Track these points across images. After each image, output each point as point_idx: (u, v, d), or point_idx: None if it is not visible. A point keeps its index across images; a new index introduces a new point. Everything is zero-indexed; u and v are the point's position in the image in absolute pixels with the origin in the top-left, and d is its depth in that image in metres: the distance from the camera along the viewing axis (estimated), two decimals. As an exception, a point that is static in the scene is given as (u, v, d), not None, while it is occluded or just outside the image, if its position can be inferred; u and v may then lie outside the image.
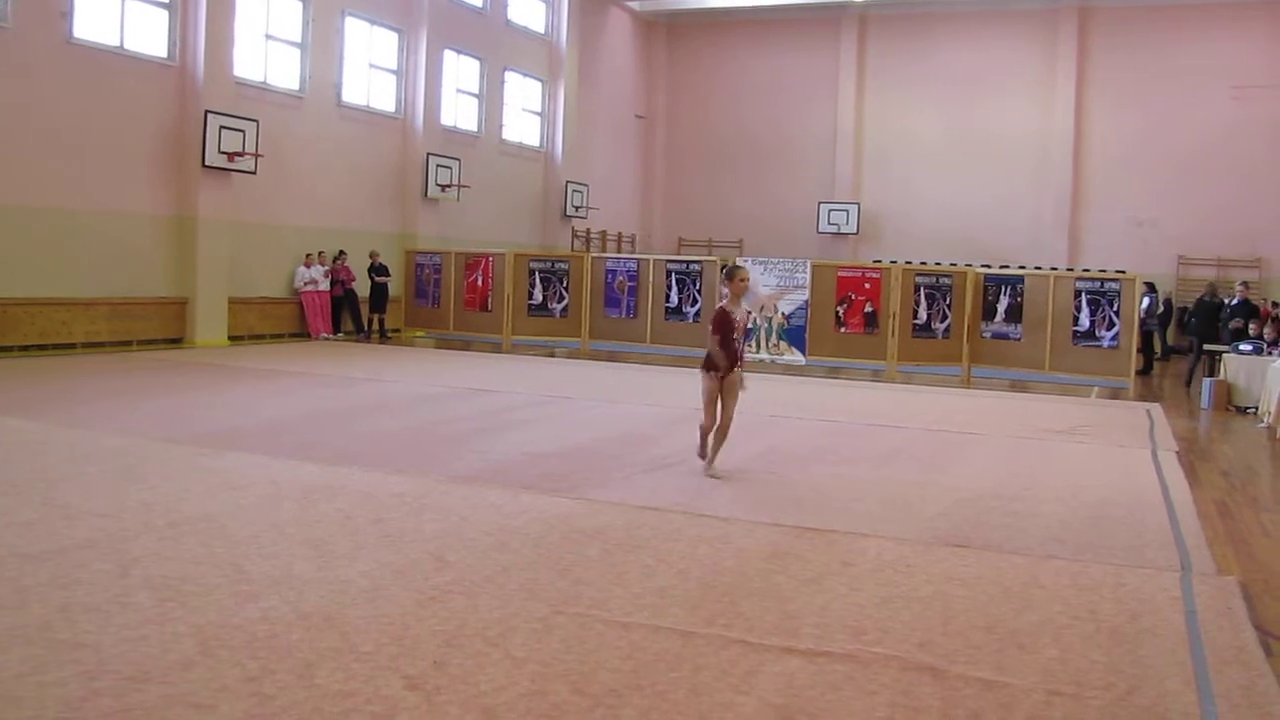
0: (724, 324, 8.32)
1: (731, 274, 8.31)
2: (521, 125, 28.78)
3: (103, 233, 17.32)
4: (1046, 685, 4.34)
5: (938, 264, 24.88)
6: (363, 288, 22.27)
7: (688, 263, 20.28)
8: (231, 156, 18.70)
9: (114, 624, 4.58)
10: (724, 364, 8.31)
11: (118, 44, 17.49)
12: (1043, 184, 30.05)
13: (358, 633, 4.59)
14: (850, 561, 6.08)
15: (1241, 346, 16.00)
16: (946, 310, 18.08)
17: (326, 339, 21.18)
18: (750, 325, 8.11)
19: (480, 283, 21.35)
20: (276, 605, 4.89)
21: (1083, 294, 17.15)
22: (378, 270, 22.26)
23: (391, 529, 6.37)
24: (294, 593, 5.08)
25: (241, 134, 18.89)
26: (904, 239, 31.32)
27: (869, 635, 4.85)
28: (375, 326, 22.39)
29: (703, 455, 8.60)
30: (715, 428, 8.42)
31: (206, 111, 18.28)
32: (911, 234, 31.23)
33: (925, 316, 18.05)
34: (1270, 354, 15.23)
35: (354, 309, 22.25)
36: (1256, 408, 14.44)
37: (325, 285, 21.55)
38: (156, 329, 18.20)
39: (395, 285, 22.72)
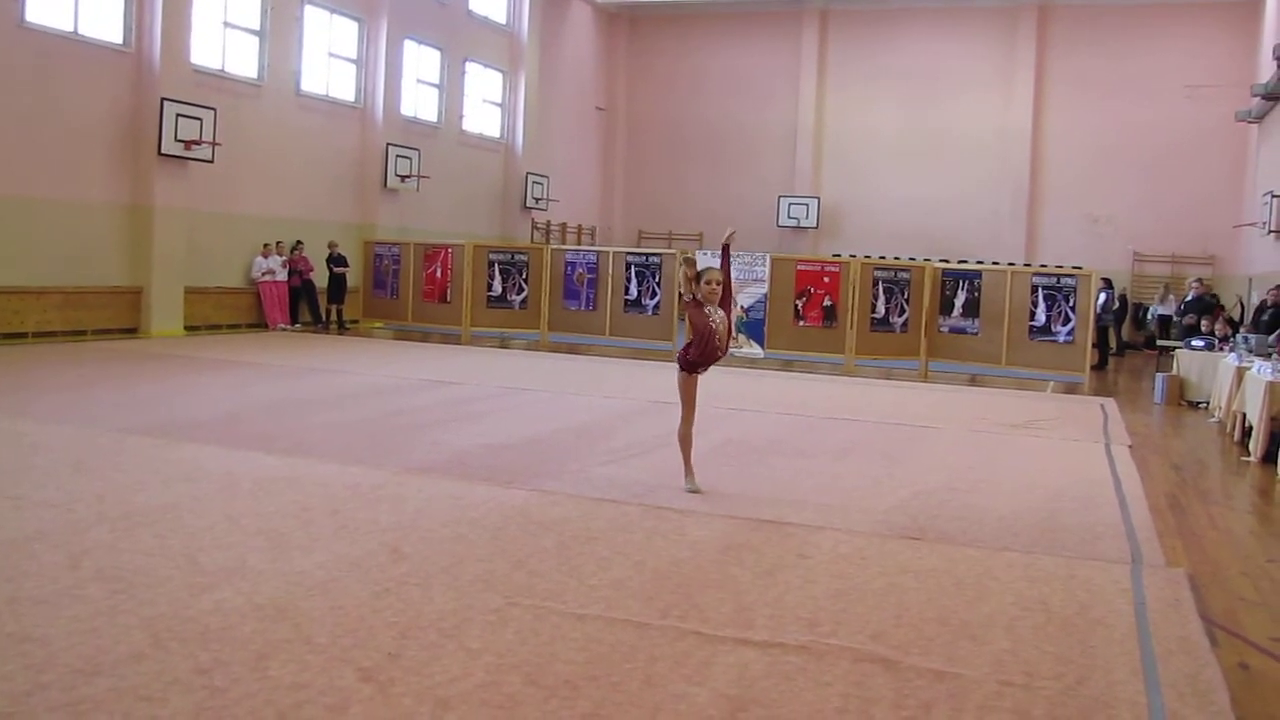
0: (697, 313, 7.51)
1: (702, 277, 7.48)
2: (482, 116, 28.66)
3: (56, 220, 17.07)
4: (997, 675, 4.40)
5: (896, 259, 25.03)
6: (321, 278, 22.12)
7: (647, 255, 20.27)
8: (188, 145, 18.48)
9: (63, 616, 4.53)
10: (702, 366, 7.64)
11: (71, 29, 17.24)
12: (1001, 180, 30.32)
13: (312, 624, 4.57)
14: (805, 554, 6.12)
15: (1194, 343, 16.23)
16: (905, 305, 18.18)
17: (284, 330, 21.00)
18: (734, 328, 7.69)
19: (439, 274, 21.24)
20: (230, 597, 4.85)
21: (1039, 289, 17.30)
22: (336, 261, 22.11)
23: (347, 520, 6.34)
24: (248, 584, 5.04)
25: (198, 122, 18.67)
26: (863, 233, 31.48)
27: (823, 627, 4.88)
28: (333, 317, 22.23)
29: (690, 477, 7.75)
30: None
31: (163, 99, 18.06)
32: (871, 229, 31.40)
33: (883, 311, 18.15)
34: (1221, 350, 15.46)
35: (312, 300, 22.09)
36: (1208, 403, 14.65)
37: (283, 276, 21.36)
38: (111, 319, 17.98)
39: (353, 276, 22.56)
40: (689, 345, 7.65)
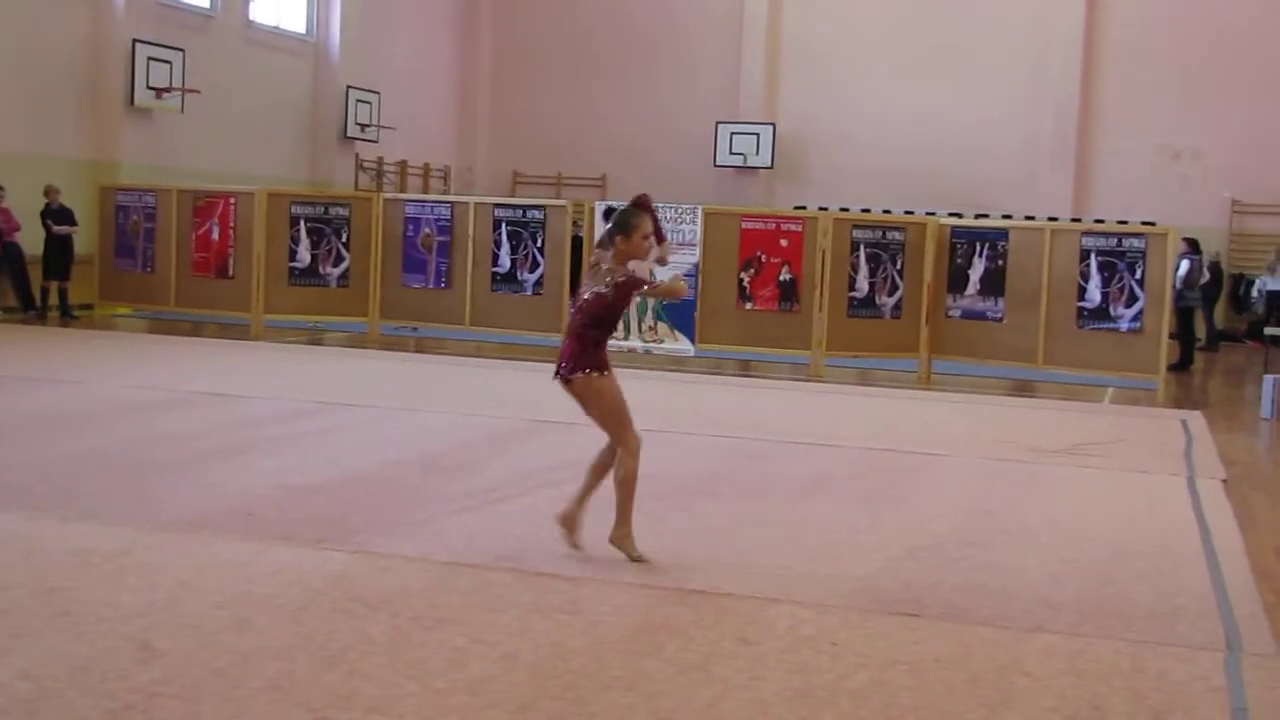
0: (624, 299, 7.60)
1: (632, 225, 7.48)
2: (279, 1, 28.43)
3: None
4: (1028, 811, 4.46)
5: (886, 212, 25.32)
6: (33, 241, 21.77)
7: (525, 208, 20.24)
8: None
9: None
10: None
11: None
12: (1039, 99, 30.73)
13: (13, 758, 4.49)
14: (751, 639, 6.14)
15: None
16: (897, 278, 18.37)
17: (-22, 320, 20.69)
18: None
19: (217, 236, 21.01)
20: (-114, 722, 4.75)
21: (1092, 255, 17.55)
22: (55, 215, 21.77)
23: (70, 604, 6.23)
24: (-88, 702, 4.94)
25: None
26: (838, 176, 31.69)
27: (777, 745, 4.90)
28: (53, 300, 21.91)
29: (623, 537, 7.59)
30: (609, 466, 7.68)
31: None
32: (849, 168, 31.60)
33: (867, 287, 18.32)
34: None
35: (18, 273, 21.77)
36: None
37: (-26, 238, 21.04)
38: None
39: (83, 239, 22.24)
40: (595, 333, 7.58)
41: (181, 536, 7.60)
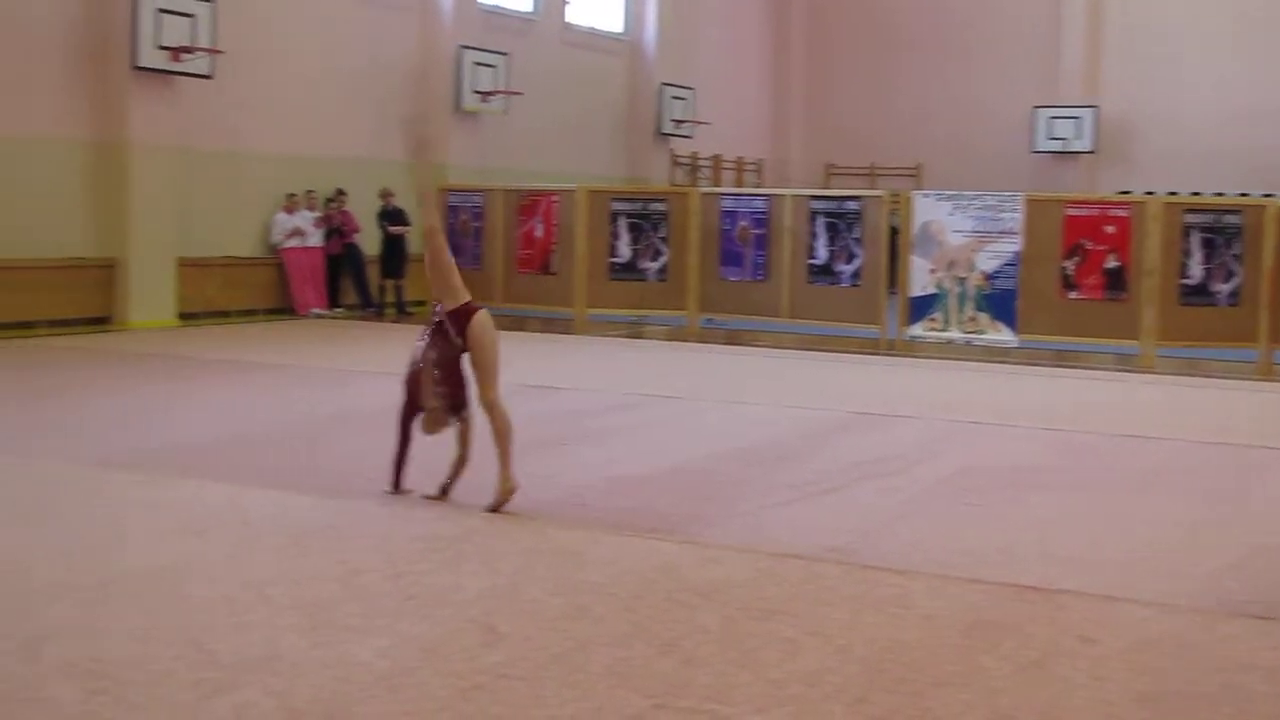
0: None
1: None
2: (596, 2, 28.83)
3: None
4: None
5: (1219, 195, 24.42)
6: (371, 242, 22.56)
7: (842, 200, 20.15)
8: (175, 54, 18.78)
9: (22, 728, 4.68)
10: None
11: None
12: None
13: (372, 736, 4.65)
14: (1091, 637, 6.01)
15: None
16: (1233, 264, 17.75)
17: (319, 316, 21.50)
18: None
19: (540, 233, 21.44)
20: (257, 699, 4.94)
21: None
22: (392, 217, 22.47)
23: (419, 587, 6.44)
24: (281, 680, 5.14)
25: (190, 19, 18.94)
26: (1166, 158, 30.78)
27: (1123, 746, 4.80)
28: (390, 297, 22.67)
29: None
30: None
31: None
32: (1178, 150, 30.65)
33: (1200, 274, 17.77)
34: None
35: (358, 272, 22.53)
36: None
37: (317, 239, 21.83)
38: (72, 304, 18.40)
39: (416, 238, 22.85)
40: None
41: (517, 525, 7.80)
